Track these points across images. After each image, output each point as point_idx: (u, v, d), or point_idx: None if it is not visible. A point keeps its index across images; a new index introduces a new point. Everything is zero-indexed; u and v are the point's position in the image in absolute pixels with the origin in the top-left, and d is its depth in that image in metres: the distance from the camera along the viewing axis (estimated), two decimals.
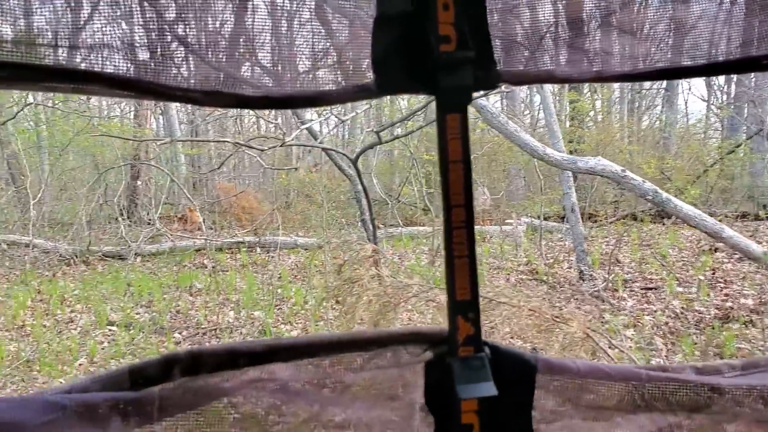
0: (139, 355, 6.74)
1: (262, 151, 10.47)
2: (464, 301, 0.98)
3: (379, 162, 16.20)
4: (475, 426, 1.00)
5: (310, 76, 0.96)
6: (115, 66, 0.91)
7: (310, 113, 10.66)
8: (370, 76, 0.97)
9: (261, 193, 15.68)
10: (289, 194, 16.15)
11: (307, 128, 8.88)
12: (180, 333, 7.48)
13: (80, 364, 6.60)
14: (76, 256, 10.99)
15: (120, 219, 12.22)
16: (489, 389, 0.96)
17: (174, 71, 0.93)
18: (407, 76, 0.97)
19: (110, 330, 7.59)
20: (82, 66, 0.89)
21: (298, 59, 0.96)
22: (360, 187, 7.57)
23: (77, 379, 0.84)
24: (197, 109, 16.31)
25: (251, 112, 16.95)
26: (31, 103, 12.56)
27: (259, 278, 9.63)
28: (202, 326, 7.68)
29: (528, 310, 3.15)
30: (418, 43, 0.95)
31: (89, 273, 10.44)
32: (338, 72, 0.98)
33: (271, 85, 0.93)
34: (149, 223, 12.75)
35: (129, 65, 0.90)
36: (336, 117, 9.82)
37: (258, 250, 11.64)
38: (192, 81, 0.90)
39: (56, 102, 13.34)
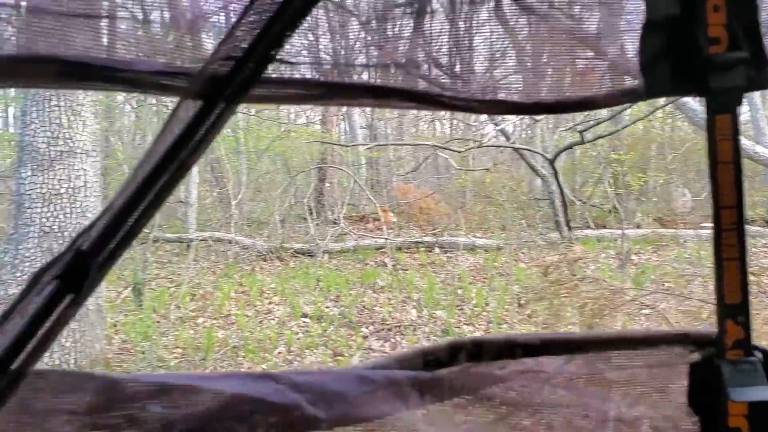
0: (332, 346, 7.15)
1: (459, 152, 10.67)
2: (734, 304, 0.97)
3: (562, 162, 15.78)
4: (743, 430, 0.98)
5: (578, 80, 1.01)
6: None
7: None
8: (636, 80, 0.99)
9: (437, 193, 15.92)
10: (465, 195, 16.25)
11: (500, 129, 8.93)
12: (366, 327, 7.83)
13: (279, 352, 7.13)
14: (272, 252, 11.87)
15: (309, 218, 13.01)
16: (765, 394, 0.94)
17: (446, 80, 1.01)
18: (675, 78, 0.98)
19: (304, 322, 8.11)
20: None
21: (567, 66, 1.00)
22: (555, 187, 7.40)
23: (379, 357, 0.95)
24: (377, 112, 16.97)
25: (426, 115, 17.34)
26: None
27: (438, 278, 9.81)
28: (387, 322, 7.97)
29: None
30: (686, 45, 0.96)
31: (283, 268, 11.22)
32: (606, 77, 1.01)
33: (542, 92, 0.99)
34: (335, 223, 13.44)
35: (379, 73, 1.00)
36: (529, 117, 9.77)
37: (436, 250, 11.85)
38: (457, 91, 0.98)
39: (250, 111, 14.46)
